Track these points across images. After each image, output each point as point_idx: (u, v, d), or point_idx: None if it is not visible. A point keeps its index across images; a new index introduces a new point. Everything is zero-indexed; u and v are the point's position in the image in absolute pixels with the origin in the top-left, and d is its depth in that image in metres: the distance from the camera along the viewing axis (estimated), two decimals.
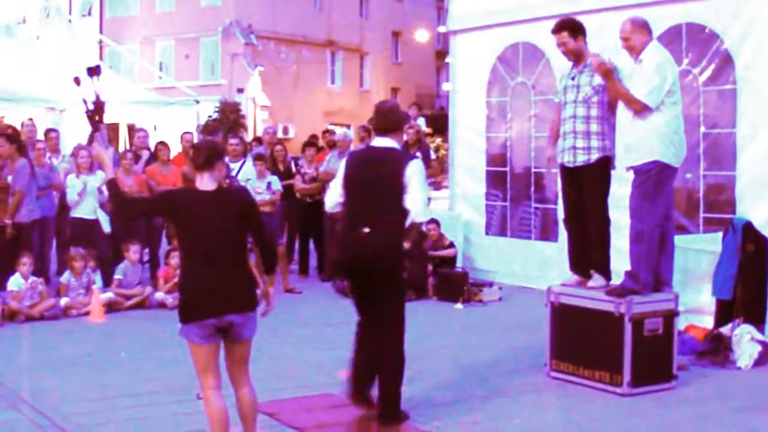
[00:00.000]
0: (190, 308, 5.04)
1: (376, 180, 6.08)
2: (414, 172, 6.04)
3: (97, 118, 5.73)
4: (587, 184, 7.37)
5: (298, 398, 6.82)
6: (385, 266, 6.06)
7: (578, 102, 7.34)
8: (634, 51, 7.10)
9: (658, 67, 6.96)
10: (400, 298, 6.27)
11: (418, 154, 11.93)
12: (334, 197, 6.31)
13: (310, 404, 6.67)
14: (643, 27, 7.12)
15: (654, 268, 7.13)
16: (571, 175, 7.47)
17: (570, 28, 7.39)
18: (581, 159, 7.32)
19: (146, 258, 12.34)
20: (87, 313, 10.16)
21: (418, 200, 6.01)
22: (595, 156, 7.27)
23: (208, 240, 5.03)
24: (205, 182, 5.14)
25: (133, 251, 10.88)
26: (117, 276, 10.75)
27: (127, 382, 7.33)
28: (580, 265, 7.59)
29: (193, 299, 5.04)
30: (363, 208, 6.09)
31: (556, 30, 7.44)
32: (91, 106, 5.71)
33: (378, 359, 6.10)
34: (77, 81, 5.84)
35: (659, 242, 7.11)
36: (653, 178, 6.96)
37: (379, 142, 6.29)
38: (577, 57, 7.40)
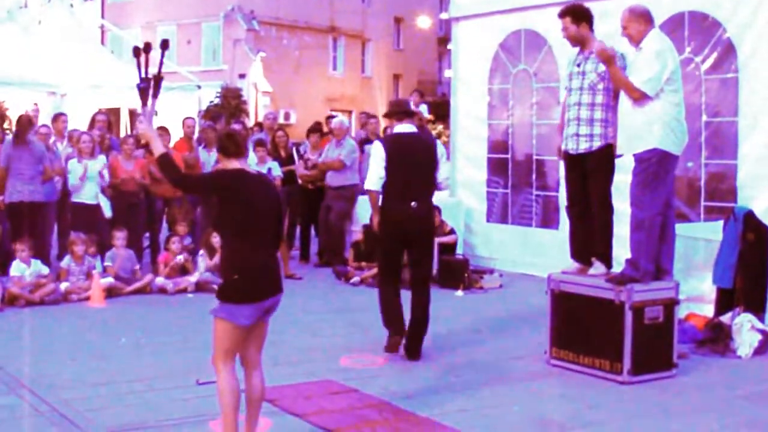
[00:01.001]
0: (248, 288, 5.05)
1: (419, 162, 7.48)
2: (442, 152, 7.68)
3: (150, 92, 5.66)
4: (590, 171, 7.36)
5: (298, 384, 6.82)
6: (430, 232, 7.74)
7: (584, 89, 7.32)
8: (633, 40, 7.07)
9: (657, 54, 6.92)
10: (432, 259, 8.09)
11: None
12: (378, 177, 7.43)
13: (310, 391, 6.68)
14: (641, 16, 7.07)
15: (655, 257, 7.11)
16: (574, 162, 7.47)
17: (572, 14, 7.39)
18: (583, 146, 7.31)
19: (147, 244, 12.35)
20: (87, 298, 10.17)
21: (445, 176, 7.83)
22: (597, 143, 7.26)
23: (262, 221, 5.13)
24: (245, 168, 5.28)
25: (117, 237, 10.86)
26: (107, 263, 10.74)
27: (127, 367, 7.34)
28: (581, 252, 7.58)
29: (253, 280, 5.07)
30: (408, 185, 7.40)
31: (561, 15, 7.47)
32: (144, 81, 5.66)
33: (416, 310, 7.58)
34: (145, 48, 5.75)
35: (660, 230, 7.09)
36: (653, 166, 6.93)
37: (404, 128, 7.63)
38: (580, 43, 7.39)
